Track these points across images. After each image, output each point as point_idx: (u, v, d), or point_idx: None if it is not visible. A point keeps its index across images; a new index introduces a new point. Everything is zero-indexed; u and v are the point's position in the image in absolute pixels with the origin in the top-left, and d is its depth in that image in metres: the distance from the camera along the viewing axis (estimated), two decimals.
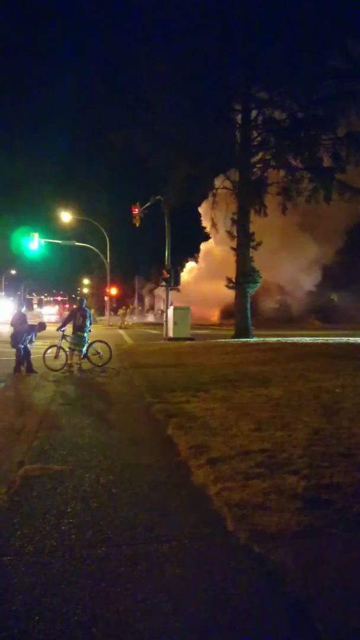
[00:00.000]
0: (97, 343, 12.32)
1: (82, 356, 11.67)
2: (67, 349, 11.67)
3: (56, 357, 11.64)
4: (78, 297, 14.88)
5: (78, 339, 11.59)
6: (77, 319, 11.74)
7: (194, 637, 2.27)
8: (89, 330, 11.99)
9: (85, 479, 4.29)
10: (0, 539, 3.18)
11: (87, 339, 11.78)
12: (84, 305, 12.17)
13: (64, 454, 5.00)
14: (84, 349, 11.72)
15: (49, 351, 11.73)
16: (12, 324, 11.41)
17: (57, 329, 12.12)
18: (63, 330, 11.86)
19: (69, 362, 11.53)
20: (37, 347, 11.98)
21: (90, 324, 12.00)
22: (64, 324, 12.05)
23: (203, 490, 4.00)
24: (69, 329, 11.96)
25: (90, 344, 12.02)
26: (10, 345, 11.29)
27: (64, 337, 11.79)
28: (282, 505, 3.58)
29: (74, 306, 13.77)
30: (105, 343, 12.58)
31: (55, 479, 4.26)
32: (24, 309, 12.18)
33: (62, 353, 11.73)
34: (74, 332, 11.65)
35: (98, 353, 12.05)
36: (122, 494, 3.96)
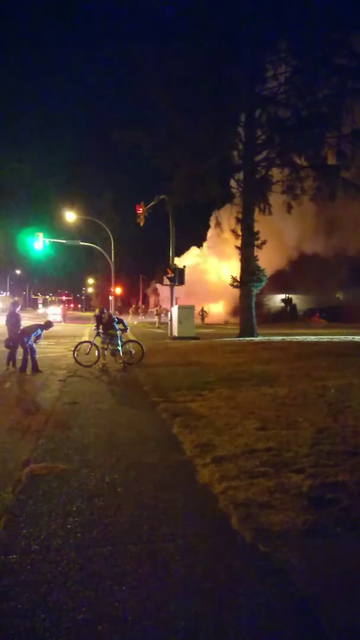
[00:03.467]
0: (131, 343, 12.86)
1: (119, 354, 11.79)
2: (100, 348, 11.98)
3: (87, 353, 12.13)
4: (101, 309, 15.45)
5: (109, 337, 11.73)
6: (105, 322, 11.92)
7: (199, 636, 2.27)
8: (126, 329, 12.40)
9: (90, 477, 4.30)
10: (7, 537, 3.20)
11: (121, 338, 11.94)
12: (102, 314, 12.34)
13: (70, 453, 5.01)
14: (119, 348, 11.82)
15: (80, 347, 12.37)
16: (7, 324, 11.53)
17: (94, 329, 12.77)
18: (97, 329, 12.25)
19: (100, 360, 11.81)
20: (44, 346, 12.04)
21: (123, 324, 12.20)
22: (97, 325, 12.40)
23: (208, 489, 4.00)
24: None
25: (124, 344, 12.27)
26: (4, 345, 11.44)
27: (98, 334, 12.15)
28: (288, 504, 3.58)
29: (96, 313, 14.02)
30: (139, 343, 13.18)
31: (60, 478, 4.27)
32: (18, 309, 12.14)
33: (93, 350, 12.19)
34: (104, 332, 11.87)
35: (130, 352, 12.38)
36: (127, 492, 3.97)
